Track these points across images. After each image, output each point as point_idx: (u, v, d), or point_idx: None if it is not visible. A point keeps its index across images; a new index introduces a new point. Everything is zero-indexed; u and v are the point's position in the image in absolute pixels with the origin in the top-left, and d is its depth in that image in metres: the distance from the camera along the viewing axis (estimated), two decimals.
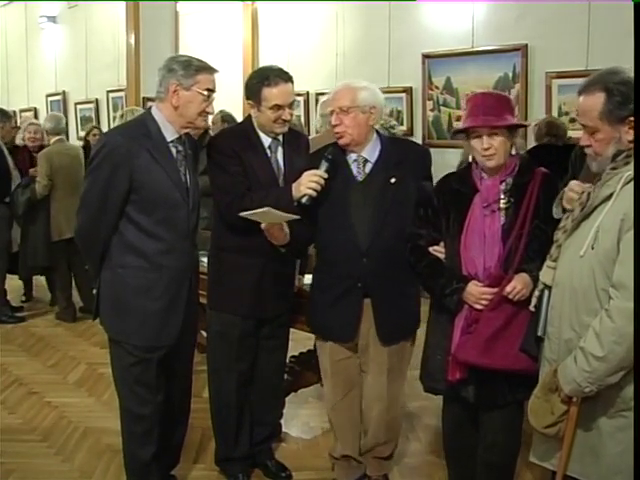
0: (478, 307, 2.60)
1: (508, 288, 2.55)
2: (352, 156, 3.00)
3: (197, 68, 2.82)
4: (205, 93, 2.82)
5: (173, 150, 2.88)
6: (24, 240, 6.27)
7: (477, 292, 2.60)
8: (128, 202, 2.80)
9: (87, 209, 2.87)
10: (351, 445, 3.27)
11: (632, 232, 2.06)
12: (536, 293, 2.46)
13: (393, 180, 2.95)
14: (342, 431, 3.27)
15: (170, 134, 2.87)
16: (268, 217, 2.84)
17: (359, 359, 3.14)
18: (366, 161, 2.99)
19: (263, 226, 2.90)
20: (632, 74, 2.19)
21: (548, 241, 2.46)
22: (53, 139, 6.25)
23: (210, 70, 2.87)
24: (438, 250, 2.77)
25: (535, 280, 2.49)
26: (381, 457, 3.26)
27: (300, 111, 7.77)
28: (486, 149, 2.61)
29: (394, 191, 2.94)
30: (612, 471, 2.21)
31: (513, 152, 2.69)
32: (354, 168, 3.00)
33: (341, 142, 2.97)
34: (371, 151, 3.00)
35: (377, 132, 3.07)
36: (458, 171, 2.89)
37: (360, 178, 2.99)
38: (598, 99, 2.18)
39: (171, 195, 2.84)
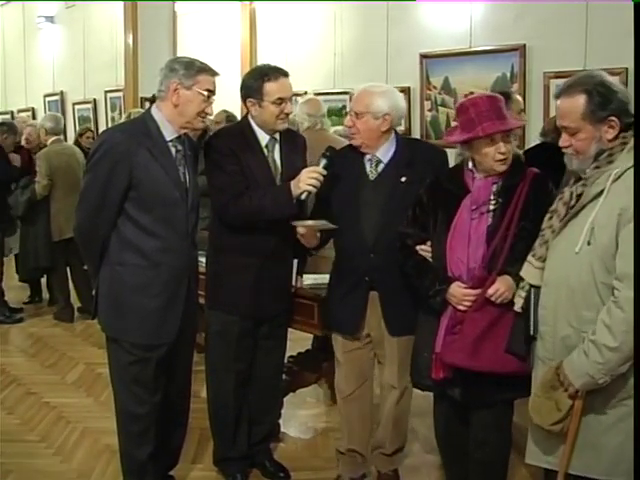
0: (461, 308, 2.61)
1: (490, 290, 2.55)
2: (367, 156, 3.05)
3: (198, 69, 2.85)
4: (205, 93, 2.85)
5: (172, 149, 2.90)
6: (24, 241, 6.27)
7: (460, 293, 2.61)
8: (127, 199, 2.82)
9: (86, 206, 2.89)
10: (358, 439, 3.30)
11: (630, 226, 2.12)
12: (522, 294, 2.46)
13: (403, 179, 2.99)
14: (351, 423, 3.29)
15: (169, 133, 2.88)
16: (317, 226, 2.96)
17: (372, 351, 3.18)
18: (379, 161, 3.04)
19: (301, 230, 2.96)
20: (608, 77, 2.30)
21: (534, 241, 2.47)
22: (51, 139, 6.25)
23: (211, 72, 2.89)
24: (425, 249, 2.80)
25: (518, 282, 2.50)
26: (385, 454, 3.27)
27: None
28: (503, 153, 2.60)
29: (404, 190, 2.97)
30: (615, 461, 2.24)
31: None
32: (367, 167, 3.05)
33: (354, 143, 3.05)
34: (385, 152, 3.04)
35: (396, 133, 3.10)
36: (449, 170, 2.89)
37: (372, 177, 3.04)
38: (579, 101, 2.27)
39: (169, 193, 2.85)
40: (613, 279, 2.17)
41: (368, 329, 3.10)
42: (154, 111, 2.90)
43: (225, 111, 5.74)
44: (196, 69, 2.84)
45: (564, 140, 2.34)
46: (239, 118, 3.39)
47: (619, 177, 2.18)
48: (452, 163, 3.12)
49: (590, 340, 2.19)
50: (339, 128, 5.19)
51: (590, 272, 2.21)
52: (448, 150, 3.18)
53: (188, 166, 2.95)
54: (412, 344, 3.06)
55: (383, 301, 3.03)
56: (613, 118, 2.24)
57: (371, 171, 3.04)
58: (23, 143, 6.57)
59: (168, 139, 2.88)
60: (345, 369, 3.23)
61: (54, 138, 6.25)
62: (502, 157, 2.60)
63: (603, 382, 2.18)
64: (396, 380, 3.15)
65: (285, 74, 3.10)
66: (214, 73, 2.91)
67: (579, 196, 2.31)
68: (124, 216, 2.84)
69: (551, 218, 2.40)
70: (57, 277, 6.42)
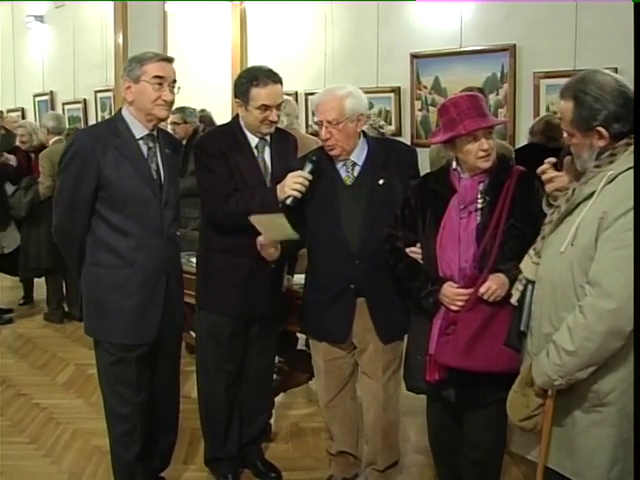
0: (454, 308, 2.61)
1: (482, 289, 2.54)
2: (340, 161, 3.01)
3: (145, 59, 2.84)
4: (154, 81, 2.82)
5: (143, 147, 2.90)
6: (26, 242, 6.15)
7: (452, 293, 2.60)
8: (98, 199, 2.83)
9: (60, 208, 2.92)
10: (348, 441, 3.29)
11: (609, 231, 2.09)
12: (519, 287, 2.46)
13: (381, 182, 2.96)
14: (336, 427, 3.28)
15: (139, 131, 2.89)
16: (272, 228, 2.86)
17: (353, 358, 3.15)
18: (354, 164, 3.01)
19: (261, 240, 2.92)
20: (603, 79, 2.21)
21: (525, 239, 2.48)
22: (53, 139, 6.19)
23: (158, 57, 2.86)
24: (415, 251, 2.78)
25: (512, 279, 2.50)
26: (378, 470, 3.23)
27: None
28: (486, 150, 2.60)
29: (383, 193, 2.95)
30: (586, 465, 2.23)
31: None
32: (343, 172, 3.01)
33: (333, 154, 2.98)
34: (359, 154, 3.01)
35: (364, 133, 3.07)
36: (435, 172, 2.89)
37: (349, 181, 3.00)
38: (568, 106, 2.24)
39: (140, 191, 2.85)
40: (586, 282, 2.15)
41: (354, 333, 3.06)
42: (124, 111, 2.92)
43: (202, 110, 5.75)
44: (143, 60, 2.83)
45: (566, 140, 2.34)
46: (230, 117, 3.36)
47: (612, 180, 2.15)
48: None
49: (552, 340, 2.19)
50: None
51: (570, 273, 2.20)
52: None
53: (163, 163, 2.94)
54: (397, 350, 3.06)
55: (372, 308, 3.00)
56: (600, 129, 2.19)
57: (348, 175, 3.00)
58: (18, 144, 6.50)
59: (138, 137, 2.88)
60: (325, 377, 3.20)
61: (56, 138, 6.19)
62: (484, 154, 2.60)
63: (559, 384, 2.18)
64: (381, 390, 3.11)
65: (276, 80, 3.04)
66: (164, 59, 2.87)
67: None
68: (97, 216, 2.85)
69: (553, 213, 2.38)
70: (53, 278, 6.36)
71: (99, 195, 2.82)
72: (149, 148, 2.91)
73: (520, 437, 2.46)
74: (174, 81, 2.88)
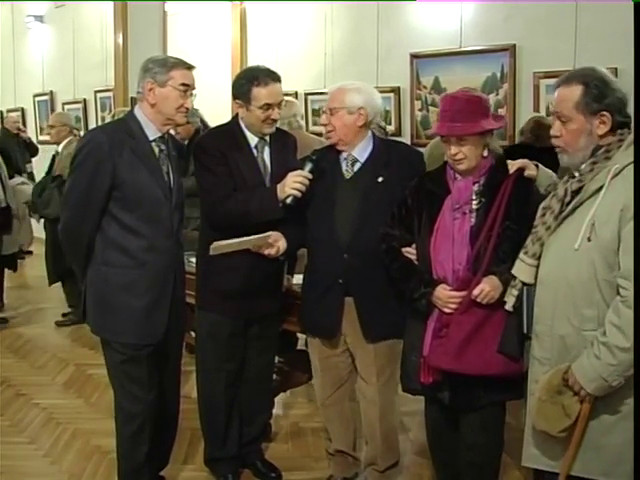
0: (447, 311, 2.59)
1: (475, 291, 2.52)
2: (343, 155, 3.03)
3: (171, 64, 2.85)
4: (181, 88, 2.84)
5: (156, 149, 2.90)
6: (53, 243, 5.93)
7: (444, 296, 2.59)
8: (111, 199, 2.82)
9: (71, 206, 2.90)
10: (345, 440, 3.29)
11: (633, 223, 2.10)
12: (515, 292, 2.44)
13: (380, 179, 2.96)
14: (333, 426, 3.29)
15: (152, 133, 2.89)
16: (239, 244, 2.87)
17: (350, 357, 3.15)
18: (355, 160, 3.01)
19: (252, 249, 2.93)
20: (610, 75, 2.29)
21: (520, 242, 2.46)
22: (68, 139, 6.18)
23: (184, 65, 2.88)
24: (410, 252, 2.77)
25: (506, 282, 2.48)
26: (378, 470, 3.23)
27: None
28: (452, 155, 2.60)
29: (380, 191, 2.95)
30: (617, 461, 2.22)
31: (485, 154, 2.64)
32: (343, 167, 3.02)
33: (330, 142, 3.03)
34: (361, 151, 3.02)
35: (372, 133, 3.08)
36: (432, 171, 2.87)
37: (347, 176, 3.01)
38: (575, 90, 2.27)
39: (153, 193, 2.85)
40: (617, 277, 2.14)
41: (345, 334, 3.06)
42: (137, 111, 2.91)
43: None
44: (169, 65, 2.83)
45: (555, 129, 2.33)
46: (229, 118, 3.36)
47: (619, 173, 2.17)
48: None
49: (601, 342, 2.15)
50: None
51: (591, 269, 2.18)
52: None
53: (172, 165, 2.95)
54: (392, 354, 3.03)
55: (359, 306, 2.98)
56: (605, 113, 2.23)
57: (347, 170, 3.01)
58: None
59: (151, 139, 2.88)
60: (322, 376, 3.21)
61: (70, 138, 6.22)
62: (454, 158, 2.59)
63: (617, 384, 2.15)
64: (377, 394, 3.10)
65: (276, 79, 3.06)
66: (189, 66, 2.89)
67: (574, 192, 2.29)
68: (108, 216, 2.84)
69: (544, 215, 2.37)
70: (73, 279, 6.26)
71: (113, 194, 2.81)
72: (161, 150, 2.92)
73: (534, 449, 2.40)
74: (193, 88, 2.91)
